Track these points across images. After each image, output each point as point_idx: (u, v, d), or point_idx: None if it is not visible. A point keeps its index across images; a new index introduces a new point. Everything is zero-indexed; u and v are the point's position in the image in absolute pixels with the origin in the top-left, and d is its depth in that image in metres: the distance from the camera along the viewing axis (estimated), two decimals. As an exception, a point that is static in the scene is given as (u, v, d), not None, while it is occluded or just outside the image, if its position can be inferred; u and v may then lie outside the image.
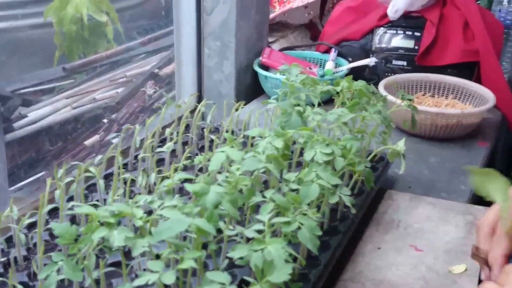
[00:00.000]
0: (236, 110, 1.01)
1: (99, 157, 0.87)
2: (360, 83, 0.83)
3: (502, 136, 1.62)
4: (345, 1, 1.52)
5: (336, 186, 0.63)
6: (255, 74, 1.38)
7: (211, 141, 0.94)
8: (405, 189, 0.98)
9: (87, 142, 1.57)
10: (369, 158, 0.75)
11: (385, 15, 1.36)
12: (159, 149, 0.87)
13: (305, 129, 0.71)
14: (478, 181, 0.55)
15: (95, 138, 1.59)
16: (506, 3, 1.55)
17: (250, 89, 1.41)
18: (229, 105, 1.10)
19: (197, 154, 0.97)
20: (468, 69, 1.33)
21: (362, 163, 0.67)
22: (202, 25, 1.32)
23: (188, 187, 0.55)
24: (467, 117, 1.12)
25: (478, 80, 1.32)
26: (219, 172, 0.69)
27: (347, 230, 0.77)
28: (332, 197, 0.62)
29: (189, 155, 0.93)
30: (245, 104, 1.37)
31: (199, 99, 1.45)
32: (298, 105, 0.79)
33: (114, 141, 1.18)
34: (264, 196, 0.59)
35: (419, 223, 0.86)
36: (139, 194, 0.82)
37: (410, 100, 0.90)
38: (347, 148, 0.67)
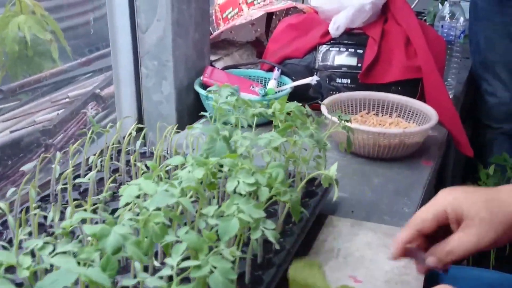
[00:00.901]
0: (177, 132, 0.95)
1: (12, 189, 0.80)
2: (292, 105, 0.78)
3: (450, 153, 1.62)
4: (288, 18, 1.49)
5: (260, 219, 0.58)
6: (198, 94, 1.33)
7: (145, 167, 0.88)
8: (348, 214, 0.94)
9: (25, 168, 1.48)
10: (301, 184, 0.70)
11: (327, 32, 1.33)
12: (79, 180, 0.80)
13: (229, 156, 0.66)
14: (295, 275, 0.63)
15: (33, 163, 1.50)
16: (448, 18, 1.55)
17: (193, 109, 1.36)
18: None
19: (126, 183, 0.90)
20: (412, 86, 1.31)
21: (288, 193, 0.62)
22: (138, 44, 1.27)
23: (86, 229, 0.49)
24: (410, 136, 1.09)
25: (423, 97, 1.30)
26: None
27: (282, 262, 0.72)
28: (254, 232, 0.57)
29: (114, 185, 0.86)
30: (182, 127, 1.32)
31: (140, 121, 1.38)
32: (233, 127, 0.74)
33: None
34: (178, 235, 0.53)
35: (359, 251, 0.81)
36: (53, 232, 0.74)
37: (347, 121, 0.86)
38: (272, 177, 0.62)
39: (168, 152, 0.97)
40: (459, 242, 0.63)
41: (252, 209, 0.57)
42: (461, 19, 1.55)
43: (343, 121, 0.85)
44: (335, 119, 0.92)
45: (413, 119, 1.24)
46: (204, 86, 1.34)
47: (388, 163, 1.13)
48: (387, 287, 0.73)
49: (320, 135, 0.76)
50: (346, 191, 1.01)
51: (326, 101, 1.20)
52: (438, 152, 1.23)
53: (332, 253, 0.81)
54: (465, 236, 0.63)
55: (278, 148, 0.73)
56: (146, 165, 0.92)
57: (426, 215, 0.66)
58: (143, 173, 0.84)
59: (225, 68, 1.43)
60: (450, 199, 0.65)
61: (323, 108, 1.15)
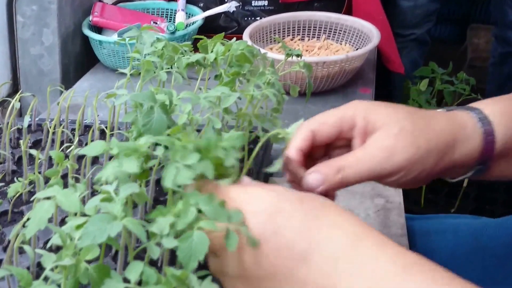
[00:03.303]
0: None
1: None
2: (241, 45, 0.59)
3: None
4: None
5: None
6: (86, 39, 1.08)
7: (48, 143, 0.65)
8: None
9: None
10: (256, 150, 0.52)
11: None
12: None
13: (174, 130, 0.47)
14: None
15: None
16: None
17: (81, 59, 1.11)
18: (55, 88, 0.81)
19: (13, 179, 0.67)
20: (337, 1, 1.16)
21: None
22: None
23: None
24: (352, 61, 0.95)
25: (349, 12, 1.16)
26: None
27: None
28: (229, 241, 0.39)
29: None
30: (68, 83, 1.07)
31: (15, 82, 1.10)
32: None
33: None
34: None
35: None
36: None
37: (298, 56, 0.69)
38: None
39: (64, 123, 0.74)
40: (360, 155, 0.45)
41: (218, 210, 0.39)
42: None
43: (293, 57, 0.69)
44: (278, 56, 0.74)
45: (345, 40, 1.09)
46: (94, 28, 1.09)
47: (322, 97, 0.96)
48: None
49: (278, 82, 0.59)
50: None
51: (248, 30, 1.01)
52: (372, 75, 1.10)
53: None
54: (372, 149, 0.45)
55: (228, 109, 0.54)
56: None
57: (326, 117, 0.48)
58: (37, 162, 0.61)
59: (116, 3, 1.17)
60: (363, 105, 0.47)
61: (247, 38, 0.97)
